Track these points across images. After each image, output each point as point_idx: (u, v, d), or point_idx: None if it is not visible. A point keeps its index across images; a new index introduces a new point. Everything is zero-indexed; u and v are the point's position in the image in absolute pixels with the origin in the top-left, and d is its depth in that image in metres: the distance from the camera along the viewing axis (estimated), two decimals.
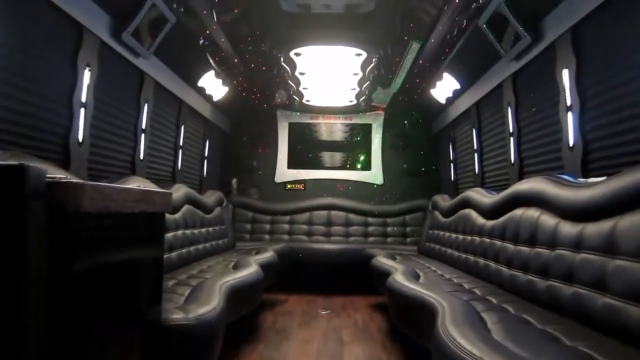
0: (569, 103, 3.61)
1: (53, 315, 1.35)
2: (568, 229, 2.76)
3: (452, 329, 1.99)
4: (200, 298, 2.71)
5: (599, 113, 3.30)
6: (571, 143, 3.59)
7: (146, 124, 4.78)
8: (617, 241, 2.25)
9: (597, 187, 2.59)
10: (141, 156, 4.71)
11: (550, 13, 3.74)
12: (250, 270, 3.98)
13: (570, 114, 3.61)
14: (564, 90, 3.65)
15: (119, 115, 4.33)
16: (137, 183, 3.87)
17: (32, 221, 1.26)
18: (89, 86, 3.74)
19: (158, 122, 5.16)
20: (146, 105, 4.77)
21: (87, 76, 3.73)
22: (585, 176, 3.40)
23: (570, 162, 3.61)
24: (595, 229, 2.48)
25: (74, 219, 1.39)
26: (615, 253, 2.25)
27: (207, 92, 6.32)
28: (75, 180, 1.39)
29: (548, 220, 3.04)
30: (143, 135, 4.74)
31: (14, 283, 1.24)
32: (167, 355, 2.20)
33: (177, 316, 2.26)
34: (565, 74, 3.63)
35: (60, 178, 1.35)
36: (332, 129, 8.26)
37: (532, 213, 3.30)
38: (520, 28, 4.01)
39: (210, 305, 2.55)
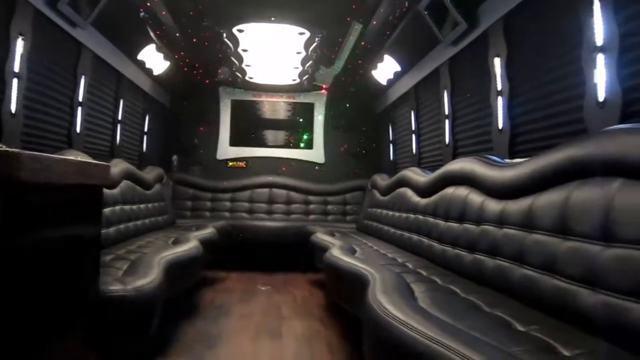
0: (499, 88, 3.80)
1: None
2: (493, 206, 2.95)
3: (381, 297, 2.12)
4: (138, 271, 2.74)
5: (525, 99, 3.51)
6: (500, 126, 3.79)
7: (83, 97, 4.66)
8: (534, 217, 2.44)
9: (518, 168, 2.78)
10: (78, 130, 4.60)
11: (485, 2, 3.90)
12: (189, 245, 4.01)
13: (500, 99, 3.81)
14: (496, 76, 3.85)
15: (54, 87, 4.21)
16: (72, 156, 3.80)
17: None
18: (22, 56, 3.61)
19: (96, 95, 5.04)
20: (83, 77, 4.64)
21: (20, 46, 3.60)
22: (513, 157, 3.61)
23: (499, 144, 3.82)
24: (516, 206, 2.67)
25: (11, 190, 1.40)
26: (532, 228, 2.44)
27: (147, 65, 6.19)
28: (11, 149, 1.39)
29: (475, 198, 3.23)
30: (80, 108, 4.63)
31: None
32: (107, 326, 2.23)
33: (116, 287, 2.29)
34: (497, 61, 3.82)
35: None
36: (275, 107, 8.28)
37: (462, 191, 3.49)
38: (458, 14, 4.16)
39: (148, 277, 2.58)
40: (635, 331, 1.65)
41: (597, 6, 2.67)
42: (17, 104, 3.57)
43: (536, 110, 3.38)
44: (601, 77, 2.65)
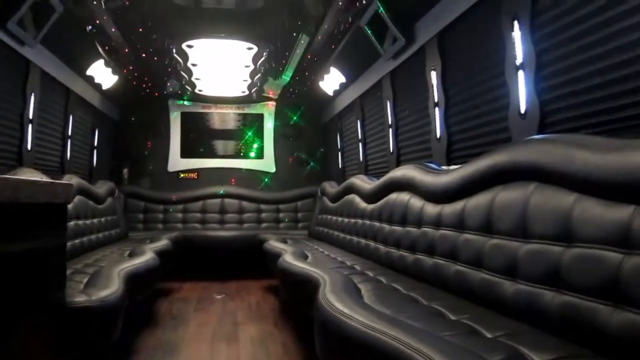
0: (436, 100, 4.10)
1: None
2: (431, 209, 3.23)
3: (330, 296, 2.33)
4: (99, 283, 2.85)
5: (459, 109, 3.82)
6: (438, 135, 4.08)
7: (33, 114, 4.69)
8: (465, 219, 2.72)
9: (451, 174, 3.07)
10: (29, 147, 4.62)
11: (420, 19, 4.20)
12: (146, 257, 4.11)
13: (437, 110, 4.10)
14: (432, 88, 4.14)
15: (4, 105, 4.23)
16: (26, 175, 3.86)
17: None
18: None
19: (45, 111, 5.06)
20: (33, 95, 4.67)
21: None
22: (450, 164, 3.91)
23: (437, 152, 4.11)
24: (450, 209, 2.95)
25: None
26: (464, 228, 2.72)
27: (96, 80, 6.23)
28: None
29: (416, 202, 3.50)
30: (30, 125, 4.65)
31: None
32: (72, 336, 2.34)
33: (80, 299, 2.41)
34: (433, 74, 4.12)
35: None
36: (225, 118, 8.40)
37: (404, 197, 3.75)
38: (396, 30, 4.45)
39: (110, 289, 2.70)
40: (547, 313, 1.93)
41: (516, 26, 2.99)
42: None
43: (468, 119, 3.68)
44: (522, 91, 2.96)
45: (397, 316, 2.06)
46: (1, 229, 1.70)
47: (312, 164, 8.39)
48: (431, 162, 3.88)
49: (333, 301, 2.21)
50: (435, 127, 4.13)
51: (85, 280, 3.09)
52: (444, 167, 3.66)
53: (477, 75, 3.52)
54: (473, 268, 2.52)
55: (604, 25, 2.28)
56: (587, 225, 1.83)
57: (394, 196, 4.00)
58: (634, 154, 1.71)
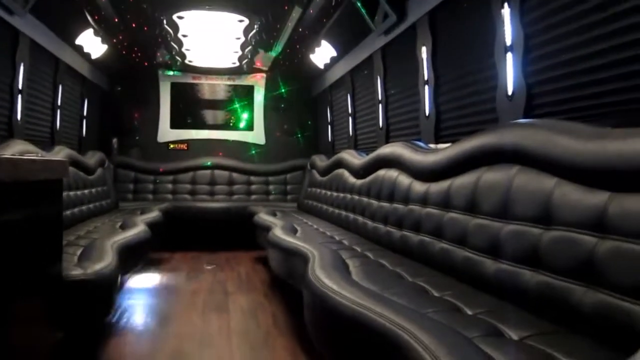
0: (426, 77, 4.15)
1: None
2: (418, 187, 3.31)
3: (319, 272, 2.42)
4: (93, 256, 2.91)
5: (448, 88, 3.87)
6: (427, 113, 4.15)
7: (22, 85, 4.68)
8: (450, 198, 2.81)
9: (439, 154, 3.14)
10: (19, 118, 4.62)
11: None
12: (138, 229, 4.18)
13: (426, 87, 4.15)
14: (423, 66, 4.18)
15: None
16: (19, 146, 3.88)
17: None
18: None
19: (35, 82, 5.04)
20: (22, 65, 4.65)
21: None
22: (438, 142, 3.98)
23: (426, 129, 4.18)
24: (437, 188, 3.03)
25: None
26: (449, 207, 2.81)
27: (85, 50, 6.18)
28: None
29: (404, 180, 3.59)
30: (20, 96, 4.64)
31: None
32: (69, 309, 2.42)
33: (77, 272, 2.48)
34: (424, 52, 4.15)
35: None
36: (215, 89, 8.38)
37: (392, 173, 3.83)
38: (387, 7, 4.46)
39: (105, 261, 2.78)
40: (526, 291, 2.03)
41: (506, 8, 3.03)
42: None
43: (457, 99, 3.74)
44: (510, 73, 3.01)
45: (383, 293, 2.16)
46: (4, 206, 1.75)
47: (299, 135, 8.42)
48: (419, 141, 3.95)
49: (322, 277, 2.30)
50: (425, 104, 4.19)
51: (79, 253, 3.16)
52: (432, 146, 3.74)
53: (467, 55, 3.57)
54: (457, 246, 2.62)
55: (591, 12, 2.33)
56: (566, 209, 1.92)
57: (382, 172, 4.08)
58: (612, 142, 1.79)
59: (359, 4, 4.78)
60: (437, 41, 4.02)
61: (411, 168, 3.52)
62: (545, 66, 2.73)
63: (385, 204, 3.83)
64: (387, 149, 4.13)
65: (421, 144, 3.75)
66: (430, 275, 2.65)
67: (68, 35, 5.65)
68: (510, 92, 2.99)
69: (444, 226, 2.81)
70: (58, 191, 2.31)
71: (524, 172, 2.25)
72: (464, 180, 2.73)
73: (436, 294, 2.28)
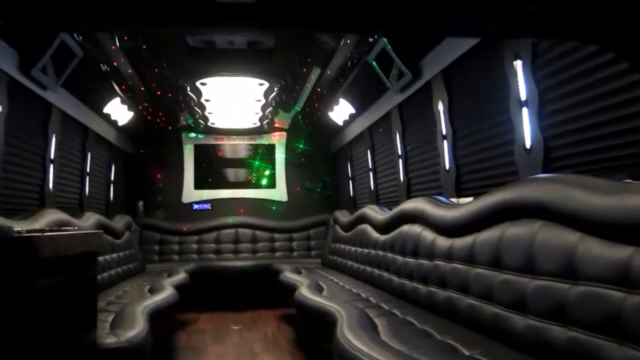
0: (444, 132, 4.23)
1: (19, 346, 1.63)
2: (442, 242, 3.33)
3: (348, 333, 2.44)
4: (125, 323, 2.97)
5: (466, 142, 3.94)
6: (447, 167, 4.21)
7: (54, 154, 4.87)
8: (475, 253, 2.83)
9: (461, 209, 3.18)
10: (50, 186, 4.79)
11: (426, 56, 4.35)
12: (166, 293, 4.24)
13: (445, 142, 4.23)
14: (440, 121, 4.27)
15: (28, 148, 4.42)
16: (52, 216, 4.02)
17: (2, 268, 1.53)
18: None
19: (65, 151, 5.24)
20: (54, 136, 4.86)
21: None
22: (459, 196, 4.02)
23: (447, 183, 4.23)
24: (461, 243, 3.05)
25: (34, 264, 1.67)
26: (474, 263, 2.82)
27: (113, 117, 6.43)
28: (34, 234, 1.67)
29: (428, 235, 3.61)
30: (52, 165, 4.83)
31: None
32: None
33: (110, 340, 2.53)
34: (440, 109, 4.26)
35: (22, 231, 1.62)
36: (237, 149, 8.58)
37: (416, 229, 3.86)
38: (403, 66, 4.60)
39: (137, 328, 2.83)
40: (555, 348, 2.02)
41: (519, 65, 3.12)
42: None
43: (475, 153, 3.80)
44: (527, 127, 3.07)
45: (413, 353, 2.16)
46: (40, 278, 1.83)
47: (320, 191, 8.51)
48: (441, 195, 3.99)
49: (351, 339, 2.32)
50: (444, 159, 4.25)
51: (110, 319, 3.21)
52: (454, 201, 3.78)
53: (483, 109, 3.65)
54: (484, 302, 2.61)
55: (602, 66, 2.41)
56: (590, 264, 1.93)
57: (406, 228, 4.11)
58: (631, 197, 1.82)
59: (374, 64, 4.93)
60: (453, 97, 4.12)
61: (434, 223, 3.54)
62: (561, 120, 2.80)
63: (410, 260, 3.84)
64: (409, 205, 4.17)
65: (443, 198, 3.79)
66: (458, 332, 2.64)
67: (96, 105, 5.90)
68: (528, 146, 3.05)
69: (470, 282, 2.81)
70: (93, 262, 2.39)
71: (547, 227, 2.27)
72: (487, 236, 2.75)
73: (466, 353, 2.27)
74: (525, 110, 3.07)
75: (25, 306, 1.66)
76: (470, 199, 3.51)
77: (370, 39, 4.69)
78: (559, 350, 2.00)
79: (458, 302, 2.90)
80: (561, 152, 2.81)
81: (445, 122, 4.22)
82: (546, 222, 2.29)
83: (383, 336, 2.57)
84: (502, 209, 2.69)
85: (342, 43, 4.78)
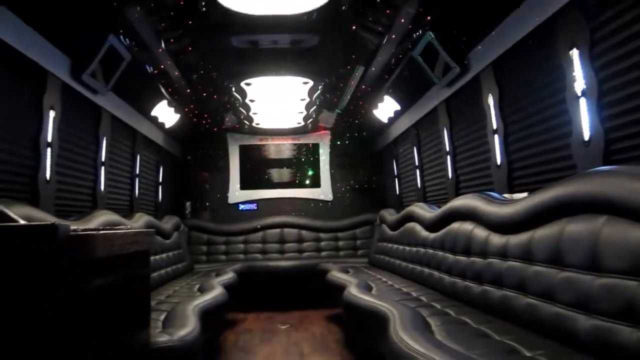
0: (494, 127, 4.10)
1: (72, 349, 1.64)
2: (496, 240, 3.21)
3: (402, 333, 2.37)
4: (177, 322, 2.99)
5: (519, 136, 3.80)
6: (498, 162, 4.08)
7: (105, 157, 4.98)
8: (532, 250, 2.71)
9: (517, 205, 3.05)
10: (102, 188, 4.90)
11: (475, 48, 4.23)
12: (216, 292, 4.26)
13: (496, 136, 4.10)
14: (490, 115, 4.15)
15: (80, 151, 4.53)
16: (104, 217, 4.10)
17: (59, 268, 1.54)
18: (53, 127, 3.95)
19: (115, 153, 5.36)
20: (104, 139, 4.97)
21: (51, 117, 3.93)
22: (511, 192, 3.89)
23: (498, 179, 4.10)
24: (516, 240, 2.93)
25: (89, 264, 1.68)
26: (532, 260, 2.70)
27: (160, 120, 6.54)
28: (90, 232, 1.68)
29: (480, 232, 3.49)
30: (102, 167, 4.94)
31: (42, 322, 1.51)
32: None
33: (163, 339, 2.55)
34: (490, 102, 4.13)
35: (77, 230, 1.64)
36: (282, 149, 8.61)
37: (467, 226, 3.75)
38: (450, 60, 4.49)
39: (189, 327, 2.84)
40: (624, 350, 1.90)
41: (575, 54, 2.98)
42: (50, 170, 3.88)
43: (529, 147, 3.66)
44: (585, 119, 2.94)
45: (471, 354, 2.08)
46: (96, 278, 1.84)
47: (366, 189, 8.45)
48: (492, 192, 3.87)
49: (406, 339, 2.25)
50: (495, 154, 4.13)
51: (162, 318, 3.25)
52: (507, 197, 3.65)
53: (536, 102, 3.51)
54: (544, 301, 2.50)
55: None
56: None
57: (456, 225, 4.00)
58: None
59: (420, 59, 4.84)
60: (504, 90, 3.99)
61: (487, 220, 3.43)
62: (622, 110, 2.66)
63: (461, 258, 3.73)
64: (459, 201, 4.06)
65: (496, 194, 3.67)
66: (517, 333, 2.53)
67: (144, 108, 6.01)
68: (586, 138, 2.91)
69: (527, 280, 2.69)
70: (146, 261, 2.41)
71: (613, 222, 2.14)
72: (546, 232, 2.63)
73: (528, 354, 2.17)
74: (583, 101, 2.93)
75: (81, 307, 1.67)
76: (524, 194, 3.38)
77: (416, 34, 4.60)
78: (627, 352, 1.88)
79: (515, 301, 2.79)
80: (623, 143, 2.67)
81: (495, 116, 4.10)
82: (611, 217, 2.17)
83: (438, 336, 2.49)
84: (560, 204, 2.57)
85: (385, 39, 4.70)
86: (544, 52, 3.33)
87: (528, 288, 2.68)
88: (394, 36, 4.61)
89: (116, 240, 1.84)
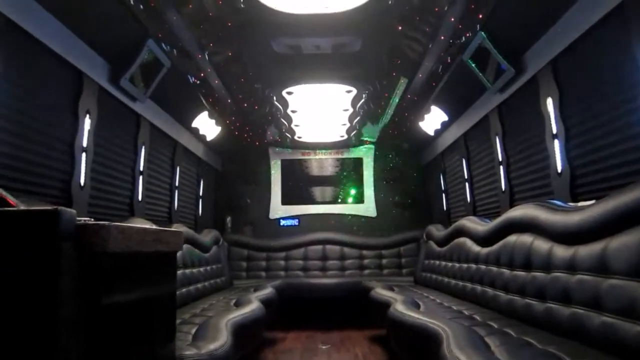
0: (554, 131, 3.76)
1: (82, 349, 1.42)
2: (562, 252, 2.86)
3: (458, 353, 2.07)
4: (208, 335, 2.77)
5: (583, 140, 3.46)
6: (559, 169, 3.73)
7: (143, 166, 4.88)
8: (608, 261, 2.35)
9: (587, 211, 2.70)
10: (139, 197, 4.78)
11: (531, 47, 3.93)
12: (252, 306, 4.03)
13: (556, 142, 3.76)
14: (549, 119, 3.81)
15: (117, 158, 4.43)
16: (139, 224, 3.94)
17: (63, 261, 1.34)
18: (89, 131, 3.85)
19: (154, 163, 5.26)
20: (143, 147, 4.87)
21: (87, 122, 3.84)
22: (575, 201, 3.52)
23: (559, 188, 3.74)
24: (587, 250, 2.58)
25: (100, 258, 1.47)
26: (608, 273, 2.35)
27: (201, 132, 6.45)
28: (101, 222, 1.47)
29: (542, 244, 3.14)
30: (141, 177, 4.83)
31: (48, 319, 1.31)
32: None
33: (190, 352, 2.32)
34: (549, 104, 3.80)
35: (87, 221, 1.44)
36: (324, 164, 8.41)
37: (526, 238, 3.40)
38: (504, 61, 4.19)
39: (219, 341, 2.61)
40: None
41: None
42: (84, 176, 3.77)
43: (595, 151, 3.32)
44: None
45: None
46: (112, 279, 1.63)
47: (411, 205, 8.12)
48: (554, 200, 3.51)
49: (463, 359, 1.94)
50: (555, 160, 3.79)
51: (193, 331, 3.03)
52: (572, 204, 3.29)
53: (604, 101, 3.18)
54: (624, 319, 2.14)
55: None
56: None
57: (513, 238, 3.64)
58: None
59: (471, 63, 4.56)
60: (565, 90, 3.66)
61: (550, 230, 3.08)
62: None
63: (520, 273, 3.37)
64: (517, 212, 3.71)
65: (559, 202, 3.31)
66: (593, 356, 2.19)
67: (184, 119, 5.92)
68: None
69: (603, 295, 2.34)
70: (172, 265, 2.19)
71: None
72: (625, 240, 2.28)
73: None
74: None
75: (90, 310, 1.45)
76: (590, 202, 3.03)
77: (466, 35, 4.33)
78: None
79: (587, 320, 2.43)
80: None
81: (555, 119, 3.76)
82: None
83: (500, 357, 2.16)
84: None
85: (433, 42, 4.45)
86: (612, 45, 3.01)
87: (603, 304, 2.33)
88: (442, 37, 4.36)
89: (134, 234, 1.63)
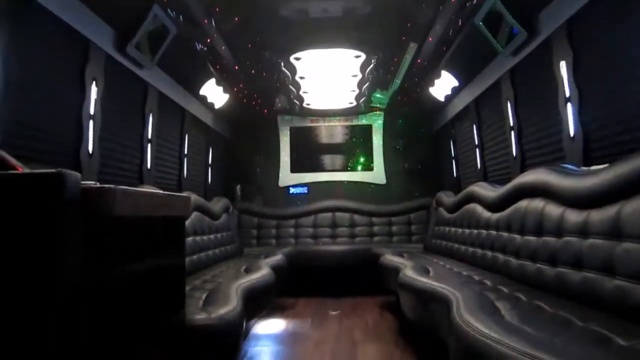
0: (567, 95, 3.68)
1: (89, 316, 1.42)
2: (574, 216, 2.83)
3: (467, 316, 2.06)
4: (218, 300, 2.79)
5: (598, 103, 3.38)
6: (572, 133, 3.66)
7: (152, 134, 4.86)
8: (622, 225, 2.32)
9: (600, 175, 2.66)
10: (148, 166, 4.78)
11: (545, 8, 3.82)
12: (262, 272, 4.06)
13: (569, 105, 3.68)
14: (562, 82, 3.73)
15: (125, 126, 4.41)
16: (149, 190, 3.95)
17: (68, 225, 1.32)
18: (96, 99, 3.82)
19: (163, 131, 5.24)
20: (151, 115, 4.84)
21: (94, 90, 3.80)
22: (587, 165, 3.46)
23: (571, 152, 3.68)
24: (600, 215, 2.55)
25: (106, 222, 1.46)
26: (621, 237, 2.32)
27: (209, 100, 6.40)
28: (107, 186, 1.46)
29: (553, 209, 3.11)
30: (149, 145, 4.82)
31: (53, 284, 1.30)
32: (192, 355, 2.27)
33: (200, 317, 2.34)
34: (563, 67, 3.71)
35: (92, 184, 1.43)
36: (333, 131, 8.35)
37: (537, 203, 3.36)
38: (517, 24, 4.09)
39: (229, 305, 2.63)
40: None
41: None
42: (93, 144, 3.76)
43: (611, 114, 3.24)
44: None
45: (554, 340, 1.75)
46: (120, 246, 1.63)
47: (421, 172, 8.06)
48: (566, 164, 3.46)
49: (474, 322, 1.94)
50: (568, 125, 3.71)
51: (204, 297, 3.05)
52: (584, 168, 3.24)
53: (621, 64, 3.08)
54: (637, 283, 2.12)
55: None
56: None
57: (524, 203, 3.61)
58: None
59: (482, 26, 4.45)
60: (579, 53, 3.56)
61: (562, 195, 3.04)
62: None
63: (531, 238, 3.35)
64: (528, 177, 3.67)
65: (571, 166, 3.26)
66: (604, 320, 2.16)
67: (192, 86, 5.87)
68: None
69: (616, 260, 2.31)
70: (180, 231, 2.18)
71: None
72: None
73: (622, 343, 1.81)
74: None
75: (97, 276, 1.45)
76: (603, 166, 2.97)
77: None
78: None
79: (599, 285, 2.41)
80: None
81: (569, 83, 3.67)
82: None
83: (511, 320, 2.15)
84: None
85: (444, 5, 4.34)
86: (631, 3, 2.91)
87: (616, 269, 2.31)
88: (453, 0, 4.25)
89: (140, 198, 1.62)
